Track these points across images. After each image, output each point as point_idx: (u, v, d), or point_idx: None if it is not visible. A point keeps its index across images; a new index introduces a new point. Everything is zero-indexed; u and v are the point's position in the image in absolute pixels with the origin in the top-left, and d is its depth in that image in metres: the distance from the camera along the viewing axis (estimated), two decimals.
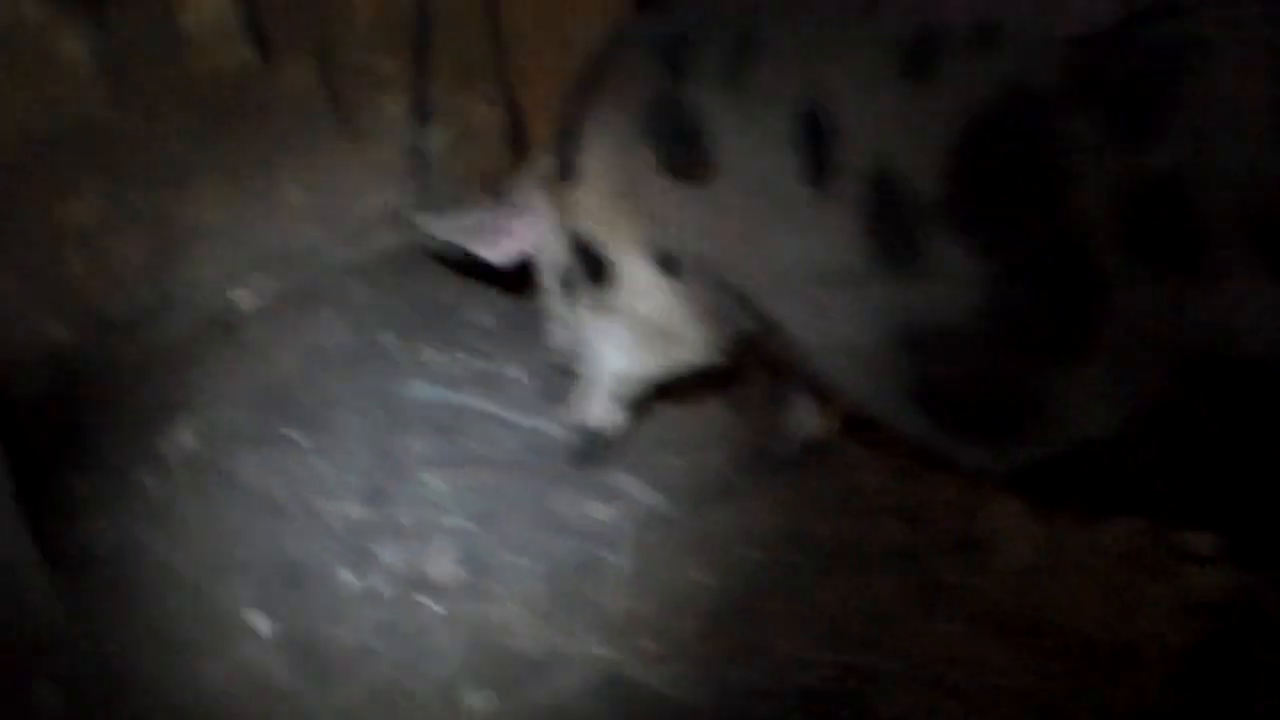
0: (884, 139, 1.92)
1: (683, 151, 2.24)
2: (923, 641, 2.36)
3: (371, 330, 3.27)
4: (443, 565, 2.57)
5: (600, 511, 2.73)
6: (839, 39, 2.04)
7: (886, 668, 2.30)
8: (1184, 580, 2.41)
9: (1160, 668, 2.26)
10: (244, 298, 3.27)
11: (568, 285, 2.75)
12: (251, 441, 2.87)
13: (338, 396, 3.04)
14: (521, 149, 3.60)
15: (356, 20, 3.25)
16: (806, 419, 2.86)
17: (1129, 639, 2.32)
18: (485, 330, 3.35)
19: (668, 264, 2.43)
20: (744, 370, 2.95)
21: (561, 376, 2.97)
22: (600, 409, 2.82)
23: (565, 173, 2.58)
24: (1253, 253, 1.61)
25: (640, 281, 2.51)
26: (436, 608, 2.48)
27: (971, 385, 1.97)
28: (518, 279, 3.02)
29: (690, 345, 2.59)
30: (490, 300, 3.40)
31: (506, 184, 2.98)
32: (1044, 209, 1.76)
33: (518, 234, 2.78)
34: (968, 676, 2.27)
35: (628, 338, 2.67)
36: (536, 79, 3.59)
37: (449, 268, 3.36)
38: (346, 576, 2.54)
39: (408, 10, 3.34)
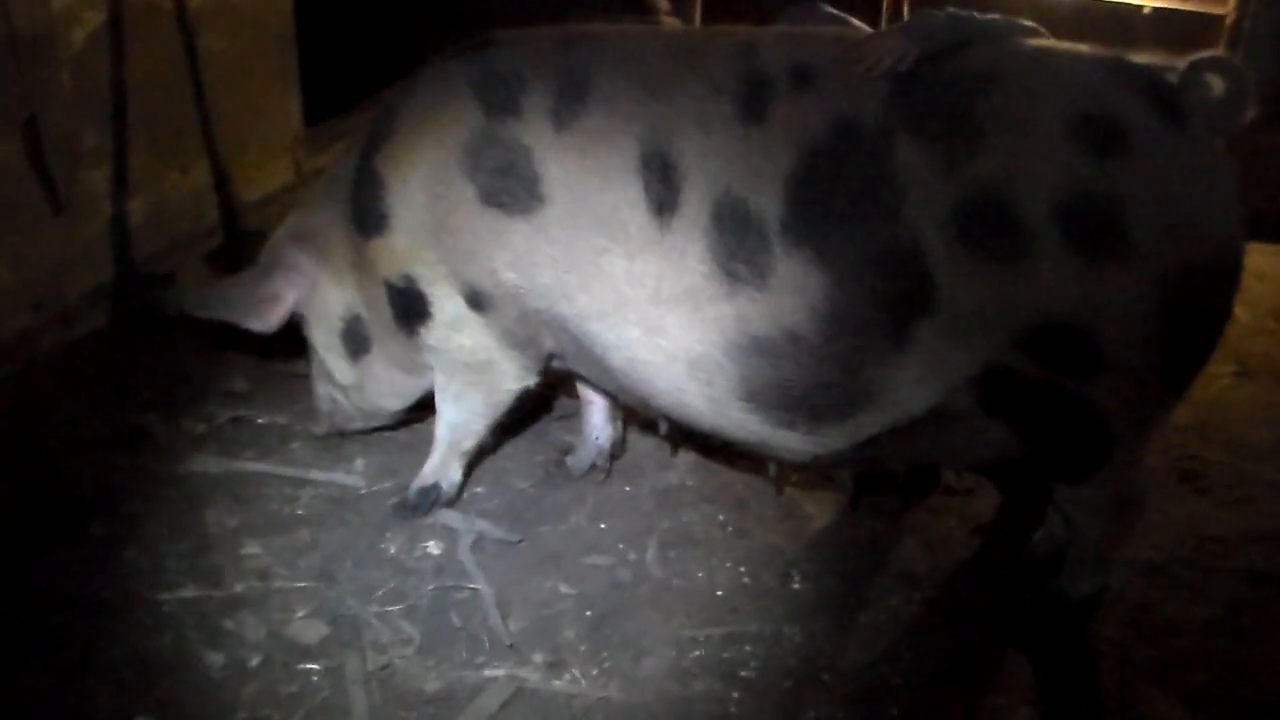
0: (725, 173, 2.23)
1: (506, 186, 2.40)
2: (778, 605, 2.68)
3: (122, 410, 3.12)
4: (308, 627, 2.55)
5: (436, 548, 2.81)
6: (673, 85, 2.31)
7: (752, 629, 2.60)
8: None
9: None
10: None
11: (351, 340, 2.82)
12: (42, 544, 2.68)
13: (117, 482, 2.89)
14: (230, 213, 3.56)
15: (60, 95, 3.11)
16: (601, 430, 3.09)
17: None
18: (239, 394, 3.29)
19: (475, 300, 2.57)
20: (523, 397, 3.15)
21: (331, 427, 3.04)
22: (442, 465, 2.90)
23: (368, 225, 2.63)
24: (1063, 238, 2.07)
25: (453, 317, 2.62)
26: (316, 667, 2.47)
27: (803, 381, 2.28)
28: (259, 337, 2.99)
29: (506, 373, 2.73)
30: (232, 363, 3.34)
31: (261, 248, 2.97)
32: (877, 223, 2.14)
33: (283, 297, 2.79)
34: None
35: (449, 382, 2.78)
36: (232, 142, 3.58)
37: (175, 336, 3.27)
38: (212, 658, 2.46)
39: (105, 79, 3.24)
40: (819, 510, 2.99)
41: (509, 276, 2.47)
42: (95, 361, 3.25)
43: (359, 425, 3.10)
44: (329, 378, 2.96)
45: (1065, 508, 2.47)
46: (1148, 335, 2.13)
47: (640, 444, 3.20)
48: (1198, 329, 2.19)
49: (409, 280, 2.62)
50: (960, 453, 2.48)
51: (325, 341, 2.90)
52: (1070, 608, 2.57)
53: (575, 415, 3.19)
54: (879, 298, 2.17)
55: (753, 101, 2.23)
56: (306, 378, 3.12)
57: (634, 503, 3.00)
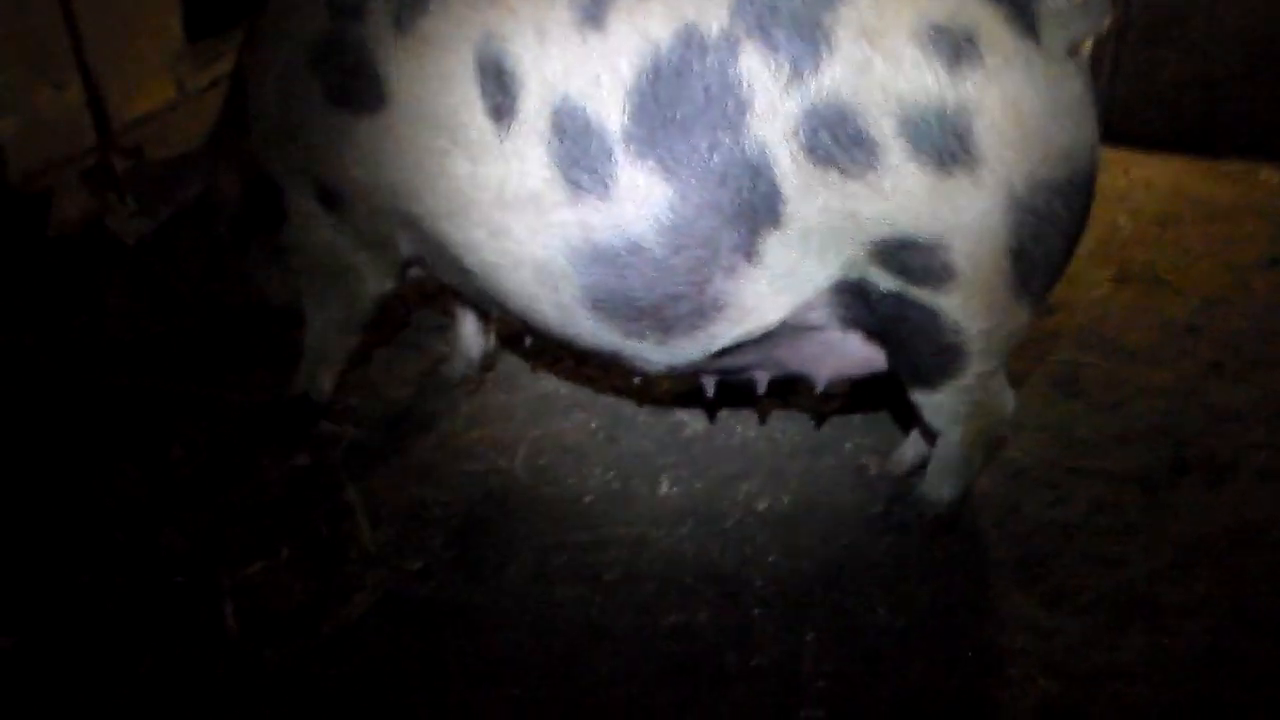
0: (562, 80, 2.17)
1: (350, 83, 2.37)
2: (645, 510, 2.70)
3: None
4: (176, 539, 2.54)
5: (304, 458, 2.80)
6: None
7: (618, 534, 2.61)
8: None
9: None
10: None
11: (237, 233, 2.78)
12: None
13: None
14: (106, 130, 3.48)
15: None
16: (471, 341, 3.07)
17: None
18: (120, 310, 3.24)
19: (326, 197, 2.55)
20: (399, 307, 3.12)
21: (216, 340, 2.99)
22: (310, 375, 2.88)
23: (238, 123, 2.63)
24: (910, 151, 2.04)
25: (305, 215, 2.61)
26: (183, 579, 2.45)
27: (649, 292, 2.26)
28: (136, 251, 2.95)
29: (363, 275, 2.69)
30: (114, 279, 3.30)
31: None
32: (721, 134, 2.10)
33: (190, 181, 2.76)
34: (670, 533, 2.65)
35: (310, 286, 2.75)
36: (108, 59, 3.49)
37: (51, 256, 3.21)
38: (80, 573, 2.44)
39: None
40: (692, 417, 2.99)
41: (357, 174, 2.44)
42: None
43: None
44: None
45: (923, 414, 2.48)
46: (997, 249, 2.12)
47: (516, 355, 3.18)
48: (1049, 244, 2.18)
49: (264, 178, 2.61)
50: (820, 364, 2.48)
51: (223, 234, 2.91)
52: (933, 512, 2.60)
53: (450, 327, 3.16)
54: (725, 210, 2.14)
55: (592, 8, 2.17)
56: (188, 292, 3.08)
57: (507, 411, 2.99)
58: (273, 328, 3.15)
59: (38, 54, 3.41)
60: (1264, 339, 3.26)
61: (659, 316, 2.29)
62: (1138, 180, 4.15)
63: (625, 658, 2.30)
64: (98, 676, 2.22)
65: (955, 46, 2.02)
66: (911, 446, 2.76)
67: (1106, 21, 2.13)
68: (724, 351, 2.36)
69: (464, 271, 2.46)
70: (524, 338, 2.82)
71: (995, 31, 2.04)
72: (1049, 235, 2.16)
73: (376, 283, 2.71)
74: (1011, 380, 2.49)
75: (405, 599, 2.42)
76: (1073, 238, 2.22)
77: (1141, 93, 4.35)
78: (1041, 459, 2.85)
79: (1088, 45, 2.17)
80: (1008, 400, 2.49)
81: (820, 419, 2.97)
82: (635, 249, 2.20)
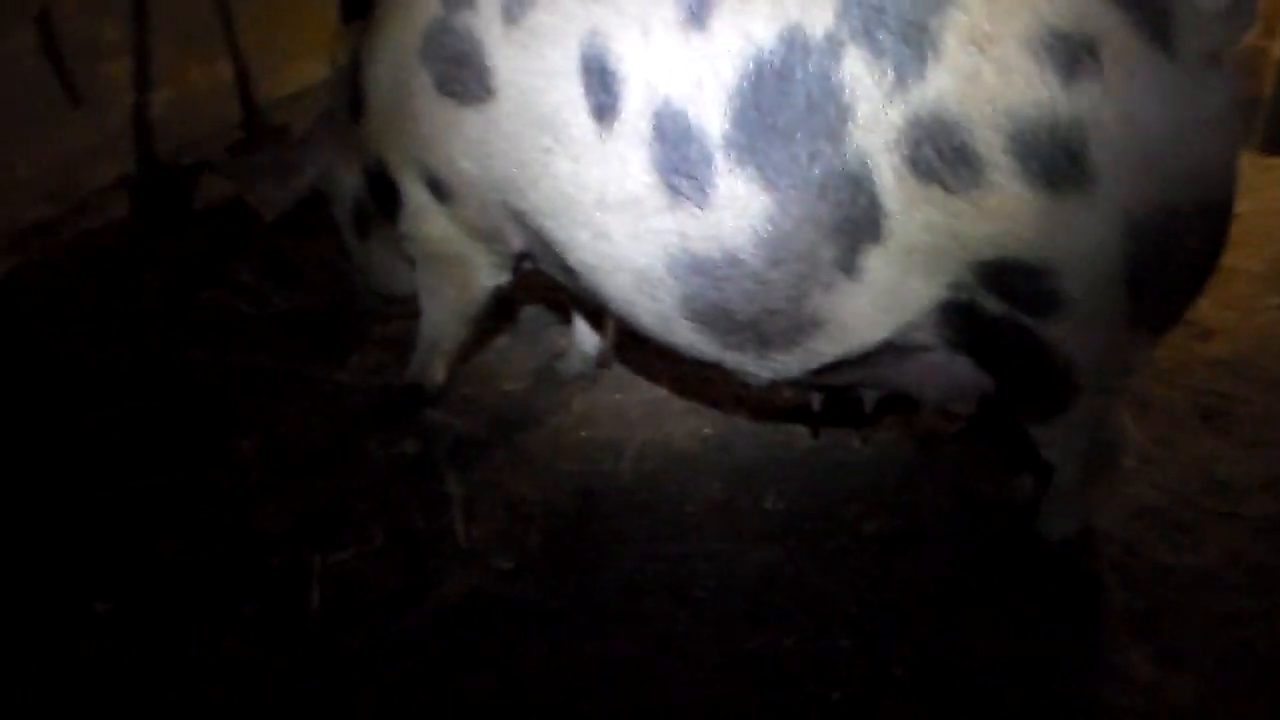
0: (665, 82, 2.10)
1: (459, 74, 2.35)
2: (745, 525, 2.62)
3: (136, 299, 3.18)
4: (275, 520, 2.58)
5: (413, 448, 2.82)
6: None
7: (713, 548, 2.55)
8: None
9: None
10: None
11: (359, 219, 2.81)
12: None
13: (116, 371, 2.95)
14: (251, 108, 3.57)
15: None
16: (588, 339, 3.05)
17: None
18: (248, 286, 3.33)
19: (437, 188, 2.54)
20: (522, 300, 3.12)
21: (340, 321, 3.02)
22: (423, 364, 2.90)
23: (354, 108, 2.65)
24: (1019, 168, 1.90)
25: (419, 205, 2.61)
26: (276, 560, 2.49)
27: (746, 305, 2.18)
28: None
29: (477, 268, 2.69)
30: (245, 257, 3.38)
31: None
32: (822, 143, 1.99)
33: (302, 169, 2.80)
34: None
35: (425, 276, 2.77)
36: (261, 37, 3.58)
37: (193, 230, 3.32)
38: (171, 545, 2.51)
39: None
40: (805, 432, 2.90)
41: (465, 165, 2.43)
42: (112, 250, 3.30)
43: (379, 305, 3.15)
44: (356, 255, 3.02)
45: (1037, 446, 2.34)
46: (1112, 278, 1.97)
47: (635, 354, 3.14)
48: (1172, 275, 2.01)
49: (380, 165, 2.63)
50: (929, 385, 2.36)
51: (342, 221, 2.96)
52: (1046, 549, 2.46)
53: (568, 322, 3.14)
54: (825, 223, 2.03)
55: (696, 6, 2.09)
56: (317, 271, 3.14)
57: (619, 412, 2.96)
58: (392, 313, 3.18)
59: (189, 31, 3.50)
60: None
61: (757, 330, 2.21)
62: None
63: (702, 680, 2.23)
64: (183, 648, 2.27)
65: (1073, 56, 1.87)
66: (1027, 478, 2.61)
67: (1252, 27, 1.95)
68: (824, 368, 2.26)
69: (568, 270, 2.43)
70: (632, 340, 2.78)
71: (1119, 39, 1.88)
72: (1171, 265, 1.99)
73: (490, 275, 2.70)
74: (1151, 407, 2.33)
75: (492, 597, 2.41)
76: (1201, 268, 2.05)
77: None
78: (1175, 499, 2.66)
79: (1231, 54, 1.98)
80: (1129, 435, 2.33)
81: (934, 441, 2.84)
82: (732, 261, 2.13)
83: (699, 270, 2.16)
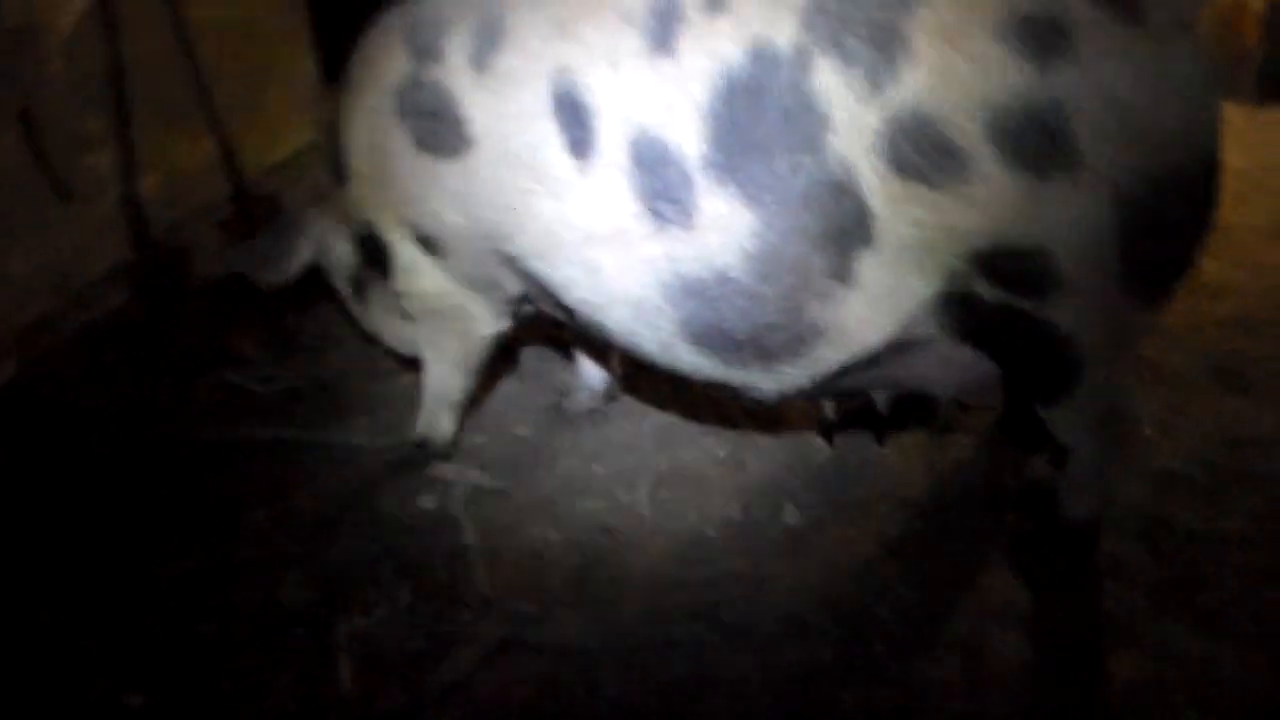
0: (638, 110, 2.10)
1: (435, 128, 2.36)
2: (767, 543, 2.61)
3: (136, 383, 3.20)
4: (299, 592, 2.58)
5: (431, 503, 2.81)
6: (582, 20, 2.19)
7: (738, 569, 2.53)
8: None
9: None
10: None
11: (357, 287, 2.82)
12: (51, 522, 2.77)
13: (126, 455, 2.97)
14: (239, 180, 3.60)
15: (54, 81, 3.16)
16: (593, 374, 3.04)
17: None
18: (251, 360, 3.35)
19: (427, 243, 2.54)
20: (525, 343, 3.12)
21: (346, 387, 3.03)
22: (430, 418, 2.89)
23: (339, 174, 2.66)
24: (1001, 156, 1.90)
25: (412, 262, 2.61)
26: (303, 632, 2.48)
27: (743, 322, 2.17)
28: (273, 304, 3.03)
29: (477, 318, 2.69)
30: (246, 332, 3.40)
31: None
32: (801, 154, 1.99)
33: (297, 248, 2.80)
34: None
35: (424, 331, 2.77)
36: (243, 109, 3.61)
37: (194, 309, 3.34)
38: (204, 629, 2.49)
39: (102, 63, 3.28)
40: (821, 441, 2.88)
41: (451, 218, 2.44)
42: (114, 339, 3.32)
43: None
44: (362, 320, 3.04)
45: (1050, 429, 2.31)
46: (1106, 252, 1.96)
47: (642, 382, 3.13)
48: (1165, 242, 2.00)
49: (369, 227, 2.63)
50: (938, 380, 2.34)
51: (342, 291, 2.96)
52: (1070, 530, 2.43)
53: (573, 358, 3.14)
54: (812, 233, 2.03)
55: (660, 32, 2.09)
56: (317, 342, 3.15)
57: (631, 442, 2.95)
58: (396, 374, 3.19)
59: (171, 110, 3.53)
60: None
61: (758, 346, 2.20)
62: None
63: (744, 700, 2.22)
64: None
65: (1044, 39, 1.87)
66: (1045, 462, 2.58)
67: None
68: (832, 375, 2.25)
69: (566, 309, 2.43)
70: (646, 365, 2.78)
71: (1088, 16, 1.88)
72: (1164, 233, 1.98)
73: (489, 322, 2.70)
74: (1167, 372, 2.30)
75: (520, 643, 2.39)
76: (1193, 233, 2.03)
77: None
78: (1198, 464, 2.65)
79: (1202, 18, 1.98)
80: (1139, 406, 2.30)
81: (952, 437, 2.82)
82: (723, 279, 2.12)
83: (692, 293, 2.16)
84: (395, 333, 2.97)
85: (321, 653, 2.41)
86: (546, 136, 2.20)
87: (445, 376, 2.82)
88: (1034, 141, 1.88)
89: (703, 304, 2.17)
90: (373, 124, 2.49)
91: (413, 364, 2.98)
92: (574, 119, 2.16)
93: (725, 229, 2.08)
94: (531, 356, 3.27)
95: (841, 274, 2.05)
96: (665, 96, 2.08)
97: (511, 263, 2.43)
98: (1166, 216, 1.95)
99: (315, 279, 2.94)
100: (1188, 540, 2.45)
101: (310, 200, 2.91)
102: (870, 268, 2.04)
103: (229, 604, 2.54)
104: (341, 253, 2.83)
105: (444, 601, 2.52)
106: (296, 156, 3.97)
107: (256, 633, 2.47)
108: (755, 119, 2.01)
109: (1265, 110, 4.58)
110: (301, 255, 2.80)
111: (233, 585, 2.59)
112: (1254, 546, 2.41)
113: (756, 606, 2.43)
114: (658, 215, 2.12)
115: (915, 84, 1.91)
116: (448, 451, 2.91)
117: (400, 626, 2.46)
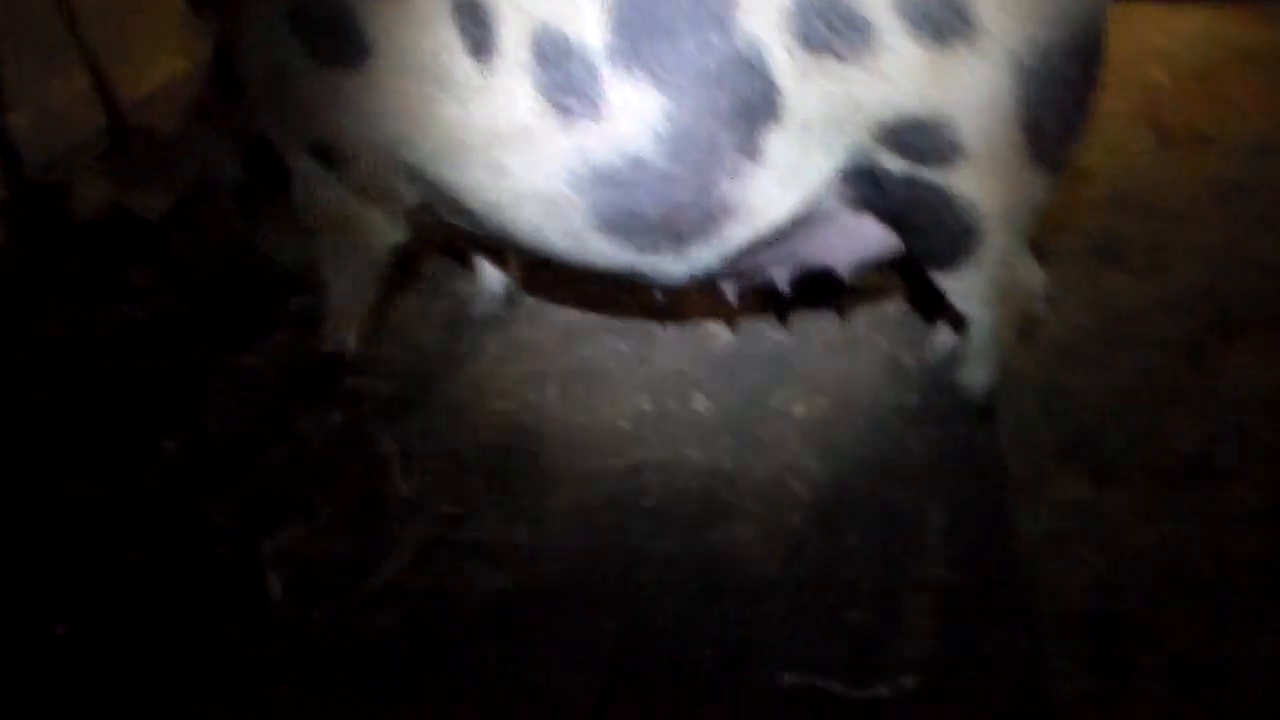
0: (540, 6, 2.11)
1: (330, 38, 2.32)
2: (680, 429, 2.67)
3: (30, 321, 3.11)
4: (219, 513, 2.55)
5: (341, 415, 2.79)
6: None
7: (654, 457, 2.59)
8: None
9: None
10: None
11: (246, 205, 2.77)
12: None
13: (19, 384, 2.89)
14: (114, 113, 3.48)
15: None
16: (494, 280, 3.05)
17: None
18: (143, 290, 3.26)
19: (324, 155, 2.50)
20: (425, 255, 3.10)
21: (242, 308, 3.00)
22: (334, 331, 2.86)
23: (229, 92, 2.60)
24: (906, 27, 1.97)
25: (307, 175, 2.57)
26: (228, 550, 2.46)
27: (656, 205, 2.21)
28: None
29: (374, 228, 2.66)
30: (135, 263, 3.32)
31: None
32: (709, 34, 2.03)
33: (184, 164, 2.74)
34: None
35: (323, 244, 2.72)
36: (113, 42, 3.49)
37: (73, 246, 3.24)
38: (130, 557, 2.46)
39: None
40: (722, 329, 2.95)
41: (350, 130, 2.40)
42: None
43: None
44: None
45: (949, 298, 2.41)
46: (1006, 121, 2.04)
47: (541, 286, 3.15)
48: (1061, 109, 2.09)
49: (262, 143, 2.59)
50: (838, 252, 2.41)
51: (230, 208, 2.91)
52: (972, 399, 2.54)
53: (471, 266, 3.14)
54: (722, 111, 2.07)
55: None
56: (211, 264, 3.09)
57: (536, 345, 2.97)
58: (292, 291, 3.14)
59: (41, 44, 3.40)
60: None
61: (669, 227, 2.24)
62: (1174, 33, 3.99)
63: (670, 580, 2.28)
64: (150, 657, 2.24)
65: None
66: (944, 335, 2.68)
67: None
68: (740, 253, 2.30)
69: (470, 213, 2.42)
70: (545, 267, 2.79)
71: None
72: (1060, 100, 2.07)
73: (387, 233, 2.68)
74: (1048, 252, 2.41)
75: (448, 545, 2.41)
76: (1086, 99, 2.13)
77: None
78: (1084, 332, 2.77)
79: None
80: (1036, 277, 2.41)
81: (850, 315, 2.91)
82: (636, 164, 2.15)
83: (603, 181, 2.18)
84: (289, 249, 2.92)
85: (248, 571, 2.40)
86: (446, 41, 2.19)
87: (346, 289, 2.79)
88: (939, 13, 1.95)
89: (615, 190, 2.19)
90: (266, 40, 2.42)
91: (308, 280, 2.95)
92: (473, 20, 2.15)
93: (635, 114, 2.10)
94: (431, 266, 3.25)
95: (750, 151, 2.10)
96: None
97: (414, 170, 2.41)
98: (1064, 83, 2.05)
99: (202, 205, 2.89)
100: (1079, 402, 2.58)
101: (193, 119, 2.84)
102: (778, 144, 2.09)
103: (150, 530, 2.50)
104: (230, 171, 2.77)
105: (367, 510, 2.52)
106: (167, 87, 3.85)
107: (181, 557, 2.44)
108: (659, 5, 2.04)
109: (1120, 3, 4.76)
110: (185, 171, 2.74)
111: (153, 512, 2.55)
112: (1140, 405, 2.55)
113: (675, 491, 2.49)
114: (564, 109, 2.13)
115: None
116: (354, 365, 2.89)
117: (325, 538, 2.46)
